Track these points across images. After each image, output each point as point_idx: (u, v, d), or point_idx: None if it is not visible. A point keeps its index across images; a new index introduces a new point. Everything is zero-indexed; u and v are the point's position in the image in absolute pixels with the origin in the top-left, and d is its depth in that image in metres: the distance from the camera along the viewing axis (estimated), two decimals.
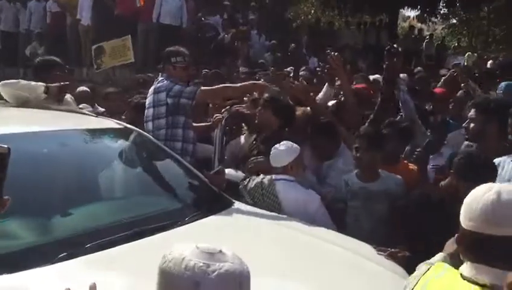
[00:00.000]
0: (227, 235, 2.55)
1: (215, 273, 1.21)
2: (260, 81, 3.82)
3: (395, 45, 4.48)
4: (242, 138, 4.04)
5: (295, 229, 2.70)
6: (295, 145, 3.14)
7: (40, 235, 2.29)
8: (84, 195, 2.67)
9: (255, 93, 4.10)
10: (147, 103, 3.79)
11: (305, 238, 2.61)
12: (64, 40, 10.13)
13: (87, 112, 3.57)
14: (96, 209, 2.62)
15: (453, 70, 5.96)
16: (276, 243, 2.56)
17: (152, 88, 3.80)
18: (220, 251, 1.27)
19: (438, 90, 5.55)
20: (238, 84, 3.92)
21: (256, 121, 3.69)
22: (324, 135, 3.59)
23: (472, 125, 3.04)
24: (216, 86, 3.90)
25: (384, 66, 3.81)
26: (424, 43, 14.25)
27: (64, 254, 2.10)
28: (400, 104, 3.82)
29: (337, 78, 4.12)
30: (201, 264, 1.22)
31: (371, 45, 13.51)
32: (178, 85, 3.68)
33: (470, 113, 3.09)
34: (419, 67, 9.43)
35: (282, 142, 3.14)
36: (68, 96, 4.13)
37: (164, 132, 3.63)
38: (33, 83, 3.48)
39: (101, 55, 4.19)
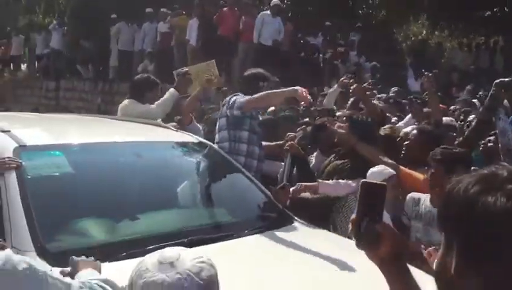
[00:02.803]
0: (277, 251, 2.62)
1: (143, 281, 1.28)
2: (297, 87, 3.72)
3: None
4: (313, 158, 4.05)
5: (351, 252, 2.65)
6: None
7: (107, 235, 2.53)
8: (153, 202, 2.90)
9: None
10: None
11: (358, 261, 2.56)
12: (171, 59, 10.80)
13: (169, 127, 3.80)
14: (162, 216, 2.83)
15: None
16: (325, 264, 2.52)
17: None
18: (171, 263, 1.29)
19: None
20: (279, 90, 3.84)
21: (335, 140, 3.64)
22: None
23: None
24: (259, 94, 3.71)
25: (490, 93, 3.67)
26: None
27: (124, 253, 2.31)
28: (498, 133, 3.65)
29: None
30: (143, 272, 1.29)
31: (482, 68, 12.75)
32: (237, 96, 3.73)
33: None
34: None
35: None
36: None
37: (228, 145, 3.67)
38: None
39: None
